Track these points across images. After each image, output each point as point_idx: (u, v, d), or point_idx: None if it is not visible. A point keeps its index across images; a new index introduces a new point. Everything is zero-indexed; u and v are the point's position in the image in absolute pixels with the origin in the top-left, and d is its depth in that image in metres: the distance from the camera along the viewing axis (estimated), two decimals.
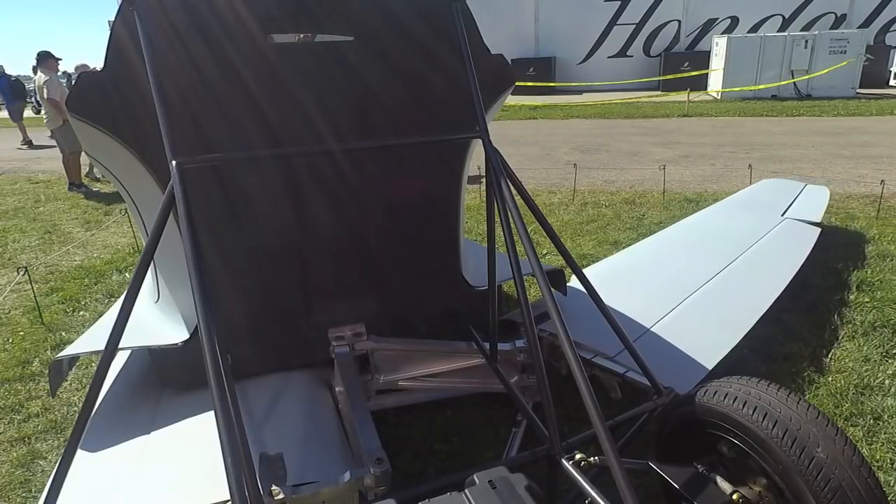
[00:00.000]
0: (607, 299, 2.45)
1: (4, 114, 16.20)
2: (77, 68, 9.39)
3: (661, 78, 19.86)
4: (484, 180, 2.00)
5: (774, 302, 3.71)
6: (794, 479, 1.46)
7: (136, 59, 1.75)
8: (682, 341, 2.70)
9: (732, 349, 3.15)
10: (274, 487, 1.54)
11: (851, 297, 3.74)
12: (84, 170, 8.92)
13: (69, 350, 2.58)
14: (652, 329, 2.79)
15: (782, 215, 4.47)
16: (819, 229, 4.25)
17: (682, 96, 15.64)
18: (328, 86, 2.11)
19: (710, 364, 2.55)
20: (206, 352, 1.34)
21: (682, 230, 4.41)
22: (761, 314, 3.01)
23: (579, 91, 20.89)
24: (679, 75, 18.49)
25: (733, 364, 3.02)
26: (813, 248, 4.54)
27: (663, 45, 22.36)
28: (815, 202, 4.84)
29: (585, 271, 2.81)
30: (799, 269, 3.57)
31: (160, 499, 1.82)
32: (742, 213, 4.70)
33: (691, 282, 3.29)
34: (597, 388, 1.57)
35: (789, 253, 3.79)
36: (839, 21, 20.88)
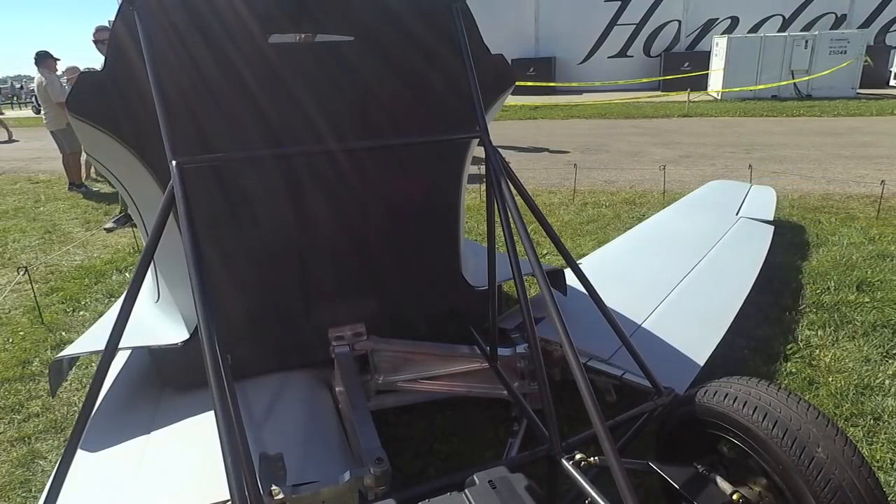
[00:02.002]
0: (582, 300, 2.45)
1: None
2: (67, 71, 9.07)
3: (660, 78, 19.87)
4: (484, 180, 2.00)
5: (775, 301, 3.74)
6: (794, 479, 1.46)
7: (136, 59, 1.75)
8: (669, 340, 2.71)
9: (732, 349, 3.18)
10: (274, 487, 1.54)
11: (851, 297, 3.74)
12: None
13: (69, 350, 2.58)
14: (639, 329, 2.79)
15: (736, 214, 4.61)
16: (773, 227, 4.39)
17: (682, 96, 15.65)
18: (328, 86, 2.11)
19: (700, 361, 2.56)
20: (206, 352, 1.34)
21: (646, 231, 4.48)
22: (738, 310, 3.06)
23: (579, 91, 20.90)
24: (679, 75, 18.49)
25: (732, 364, 3.03)
26: (811, 249, 4.64)
27: (663, 46, 22.36)
28: (764, 202, 5.02)
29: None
30: (795, 269, 3.55)
31: (160, 499, 1.82)
32: (699, 213, 4.82)
33: (667, 281, 3.32)
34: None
35: (750, 250, 3.92)
36: (839, 21, 20.88)
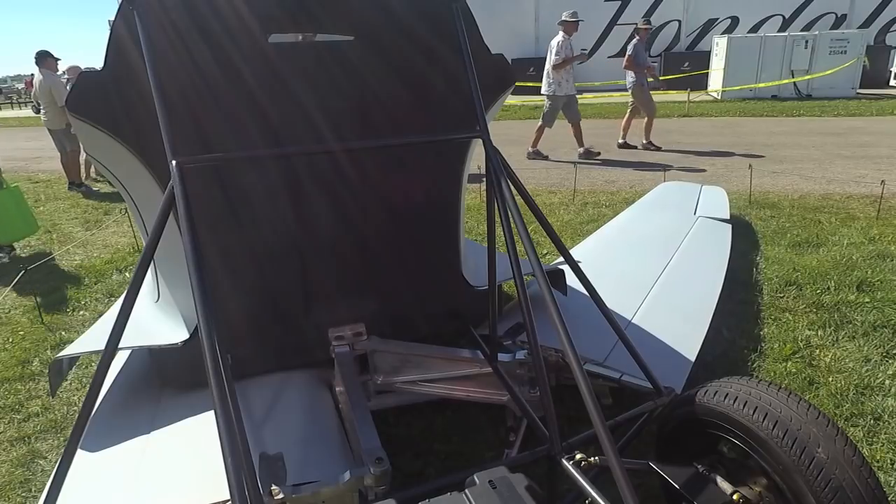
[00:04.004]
0: (574, 303, 2.40)
1: (3, 113, 16.21)
2: (68, 70, 9.06)
3: (661, 77, 19.82)
4: (484, 179, 2.00)
5: (775, 301, 3.74)
6: (794, 479, 1.46)
7: (136, 59, 1.75)
8: (656, 340, 2.71)
9: (733, 349, 3.18)
10: (274, 487, 1.54)
11: (851, 297, 3.74)
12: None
13: (69, 350, 2.58)
14: (627, 330, 2.78)
15: (694, 214, 4.72)
16: (730, 225, 4.52)
17: (682, 96, 15.64)
18: (328, 85, 2.11)
19: (690, 358, 2.57)
20: (206, 352, 1.34)
21: (612, 234, 4.51)
22: (714, 306, 3.10)
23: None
24: (679, 75, 18.47)
25: (732, 364, 3.03)
26: (811, 249, 4.65)
27: (664, 45, 22.34)
28: (717, 201, 5.17)
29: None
30: (794, 269, 3.53)
31: (160, 499, 1.82)
32: (659, 214, 4.90)
33: (644, 282, 3.34)
34: None
35: (714, 248, 4.02)
36: (839, 21, 20.87)
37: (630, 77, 9.49)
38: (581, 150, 9.18)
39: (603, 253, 4.07)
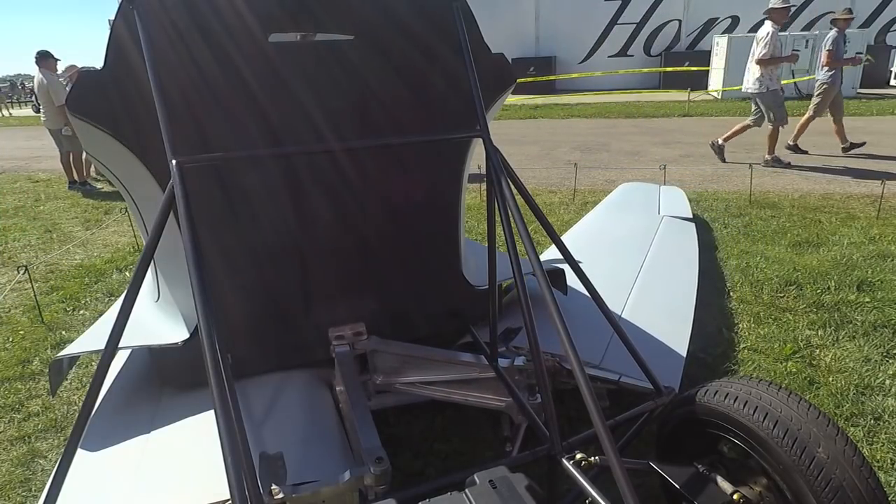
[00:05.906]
0: (570, 303, 2.35)
1: (4, 112, 16.25)
2: (66, 69, 9.08)
3: (661, 69, 19.81)
4: (484, 179, 2.00)
5: (775, 301, 3.73)
6: (794, 479, 1.46)
7: (136, 59, 1.75)
8: (646, 338, 2.71)
9: (732, 348, 3.18)
10: (274, 487, 1.54)
11: (851, 297, 3.74)
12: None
13: (69, 349, 2.58)
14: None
15: (658, 214, 4.77)
16: (693, 224, 4.58)
17: (682, 96, 15.64)
18: (328, 85, 2.11)
19: (682, 355, 2.57)
20: (207, 351, 1.34)
21: (583, 235, 4.51)
22: (694, 303, 3.12)
23: (579, 89, 20.89)
24: (680, 69, 18.45)
25: (733, 364, 3.03)
26: (812, 247, 4.69)
27: (664, 45, 22.34)
28: (678, 201, 5.25)
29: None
30: (794, 269, 3.52)
31: (160, 499, 1.82)
32: (625, 214, 4.95)
33: (624, 282, 3.34)
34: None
35: (683, 246, 4.08)
36: None
37: (825, 73, 8.27)
38: (769, 156, 8.14)
39: (578, 255, 4.05)
